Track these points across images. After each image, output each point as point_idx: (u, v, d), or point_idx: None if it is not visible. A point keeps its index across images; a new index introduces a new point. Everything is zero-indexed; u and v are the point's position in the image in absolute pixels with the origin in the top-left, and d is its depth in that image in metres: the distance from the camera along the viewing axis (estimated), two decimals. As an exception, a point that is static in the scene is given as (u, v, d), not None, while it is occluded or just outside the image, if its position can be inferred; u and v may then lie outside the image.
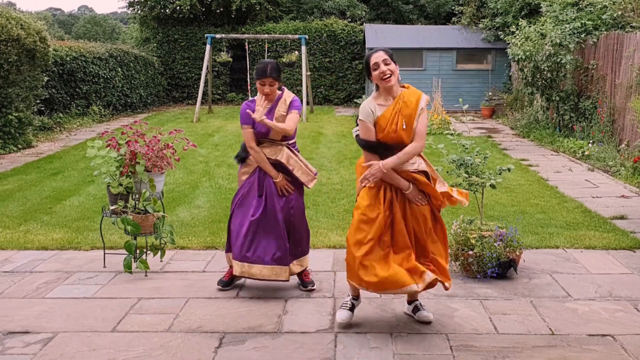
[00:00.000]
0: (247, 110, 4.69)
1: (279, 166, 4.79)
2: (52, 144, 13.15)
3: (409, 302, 4.48)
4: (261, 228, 4.76)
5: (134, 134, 5.41)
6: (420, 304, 4.42)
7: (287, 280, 4.84)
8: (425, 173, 4.21)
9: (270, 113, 4.75)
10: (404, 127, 4.06)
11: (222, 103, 22.78)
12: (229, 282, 5.00)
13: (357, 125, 4.23)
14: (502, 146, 12.61)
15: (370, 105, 4.16)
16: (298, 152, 4.94)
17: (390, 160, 4.05)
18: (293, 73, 22.25)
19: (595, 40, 12.44)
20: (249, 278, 4.83)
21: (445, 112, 15.73)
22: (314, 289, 4.95)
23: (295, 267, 4.90)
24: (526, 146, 12.71)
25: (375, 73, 4.11)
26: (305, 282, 4.98)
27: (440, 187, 4.27)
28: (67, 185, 8.95)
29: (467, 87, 19.65)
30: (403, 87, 4.24)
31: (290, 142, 4.87)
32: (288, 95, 4.85)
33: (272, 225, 4.76)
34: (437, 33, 20.83)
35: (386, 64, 4.09)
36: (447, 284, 4.25)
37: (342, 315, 4.32)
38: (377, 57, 4.11)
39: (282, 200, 4.80)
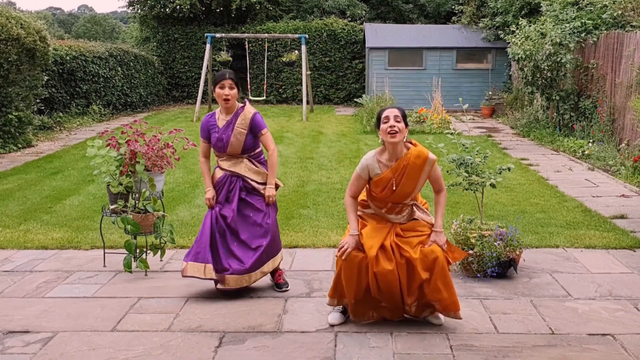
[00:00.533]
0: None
1: (233, 177, 4.81)
2: (52, 143, 13.14)
3: None
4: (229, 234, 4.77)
5: (134, 133, 5.40)
6: None
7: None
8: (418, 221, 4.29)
9: (228, 128, 4.77)
10: (395, 186, 4.13)
11: (222, 102, 22.74)
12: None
13: None
14: (502, 145, 12.61)
15: (369, 162, 4.18)
16: (263, 163, 4.94)
17: (439, 221, 4.25)
18: (293, 72, 22.24)
19: (595, 39, 12.43)
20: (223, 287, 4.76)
21: (445, 112, 15.73)
22: (288, 290, 4.93)
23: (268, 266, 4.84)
24: (526, 145, 12.70)
25: (383, 126, 4.10)
26: (279, 284, 4.96)
27: (440, 237, 4.22)
28: (67, 185, 8.95)
29: (467, 86, 19.63)
30: (410, 142, 4.23)
31: (252, 154, 4.86)
32: (249, 110, 4.84)
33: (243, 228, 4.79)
34: (437, 32, 20.81)
35: (397, 121, 4.08)
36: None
37: (334, 317, 4.35)
38: (391, 112, 4.13)
39: (249, 208, 4.81)
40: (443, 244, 4.17)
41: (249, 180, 4.80)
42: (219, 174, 4.89)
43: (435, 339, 4.09)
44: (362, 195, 4.37)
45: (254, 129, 4.80)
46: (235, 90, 4.78)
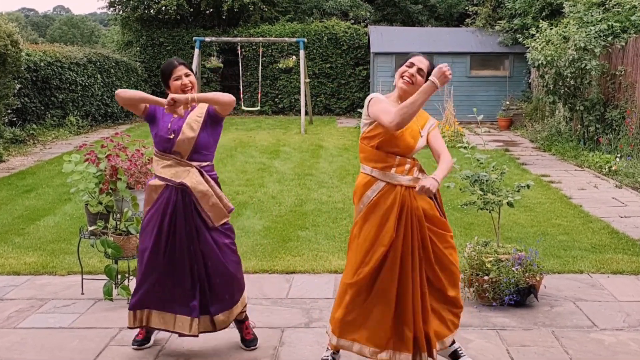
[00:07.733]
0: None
1: (186, 194, 4.18)
2: (25, 158, 13.20)
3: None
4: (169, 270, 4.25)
5: (115, 147, 5.45)
6: (459, 348, 4.21)
7: (196, 336, 4.25)
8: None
9: (181, 120, 4.20)
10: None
11: (212, 113, 22.83)
12: (146, 339, 4.56)
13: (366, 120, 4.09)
14: (520, 160, 12.67)
15: (382, 96, 4.12)
16: (215, 180, 4.30)
17: (440, 172, 3.88)
18: (290, 80, 22.37)
19: (623, 44, 12.53)
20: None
21: (458, 123, 15.80)
22: (256, 348, 4.48)
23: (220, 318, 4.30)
24: (547, 161, 12.76)
25: (402, 68, 4.09)
26: (246, 341, 4.50)
27: None
28: (41, 204, 8.99)
29: (482, 95, 19.73)
30: None
31: (204, 165, 4.26)
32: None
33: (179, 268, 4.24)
34: (449, 36, 20.97)
35: (419, 74, 4.04)
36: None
37: None
38: (419, 61, 4.08)
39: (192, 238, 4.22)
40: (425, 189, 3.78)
41: (195, 196, 4.17)
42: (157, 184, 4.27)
43: (446, 373, 4.11)
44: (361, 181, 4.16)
45: (214, 116, 4.26)
46: (193, 77, 4.28)
